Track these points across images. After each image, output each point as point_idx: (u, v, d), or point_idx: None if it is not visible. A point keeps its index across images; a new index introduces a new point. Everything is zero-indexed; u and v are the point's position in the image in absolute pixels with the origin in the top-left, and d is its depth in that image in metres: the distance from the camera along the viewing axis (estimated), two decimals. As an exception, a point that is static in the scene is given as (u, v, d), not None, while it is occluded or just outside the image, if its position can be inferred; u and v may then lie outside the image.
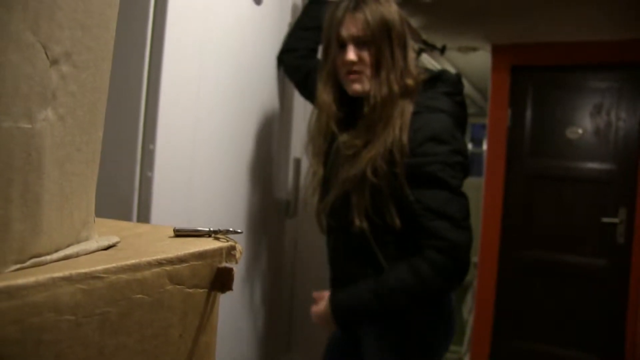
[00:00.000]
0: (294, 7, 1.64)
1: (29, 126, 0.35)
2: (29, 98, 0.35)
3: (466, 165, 1.20)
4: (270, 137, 1.57)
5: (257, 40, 1.45)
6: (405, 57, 1.22)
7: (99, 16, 0.41)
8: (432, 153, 1.15)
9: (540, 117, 2.97)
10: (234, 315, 1.42)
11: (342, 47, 1.22)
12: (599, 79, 2.86)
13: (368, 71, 1.21)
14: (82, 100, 0.41)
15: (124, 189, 1.05)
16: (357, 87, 1.22)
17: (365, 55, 1.20)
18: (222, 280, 0.48)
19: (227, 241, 0.50)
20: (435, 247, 1.14)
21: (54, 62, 0.36)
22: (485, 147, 3.28)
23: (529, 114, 2.99)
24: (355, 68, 1.21)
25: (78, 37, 0.39)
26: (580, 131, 2.87)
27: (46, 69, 0.36)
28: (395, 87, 1.19)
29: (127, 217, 1.04)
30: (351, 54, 1.20)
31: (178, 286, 0.44)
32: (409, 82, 1.20)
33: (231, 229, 0.53)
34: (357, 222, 1.20)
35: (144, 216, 1.06)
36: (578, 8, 2.31)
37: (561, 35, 2.76)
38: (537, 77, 2.98)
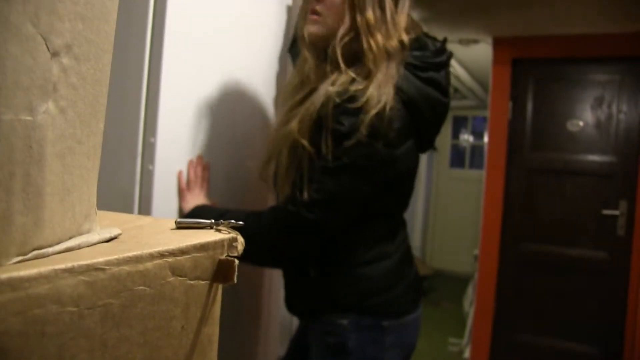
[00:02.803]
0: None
1: (30, 119, 0.35)
2: (29, 90, 0.35)
3: None
4: (272, 128, 1.57)
5: (260, 33, 1.44)
6: None
7: (100, 8, 0.41)
8: None
9: (541, 110, 2.96)
10: (234, 311, 1.42)
11: None
12: (600, 72, 2.85)
13: None
14: (83, 92, 0.40)
15: (125, 182, 1.05)
16: None
17: None
18: (224, 272, 0.48)
19: (229, 233, 0.51)
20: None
21: (55, 54, 0.36)
22: (486, 139, 3.28)
23: (530, 106, 2.98)
24: None
25: (79, 29, 0.39)
26: (581, 124, 2.87)
27: (47, 61, 0.36)
28: None
29: (128, 210, 1.05)
30: None
31: (180, 278, 0.44)
32: None
33: (233, 221, 0.53)
34: None
35: (145, 209, 1.06)
36: (580, 1, 2.30)
37: (563, 28, 2.75)
38: (538, 70, 2.97)
